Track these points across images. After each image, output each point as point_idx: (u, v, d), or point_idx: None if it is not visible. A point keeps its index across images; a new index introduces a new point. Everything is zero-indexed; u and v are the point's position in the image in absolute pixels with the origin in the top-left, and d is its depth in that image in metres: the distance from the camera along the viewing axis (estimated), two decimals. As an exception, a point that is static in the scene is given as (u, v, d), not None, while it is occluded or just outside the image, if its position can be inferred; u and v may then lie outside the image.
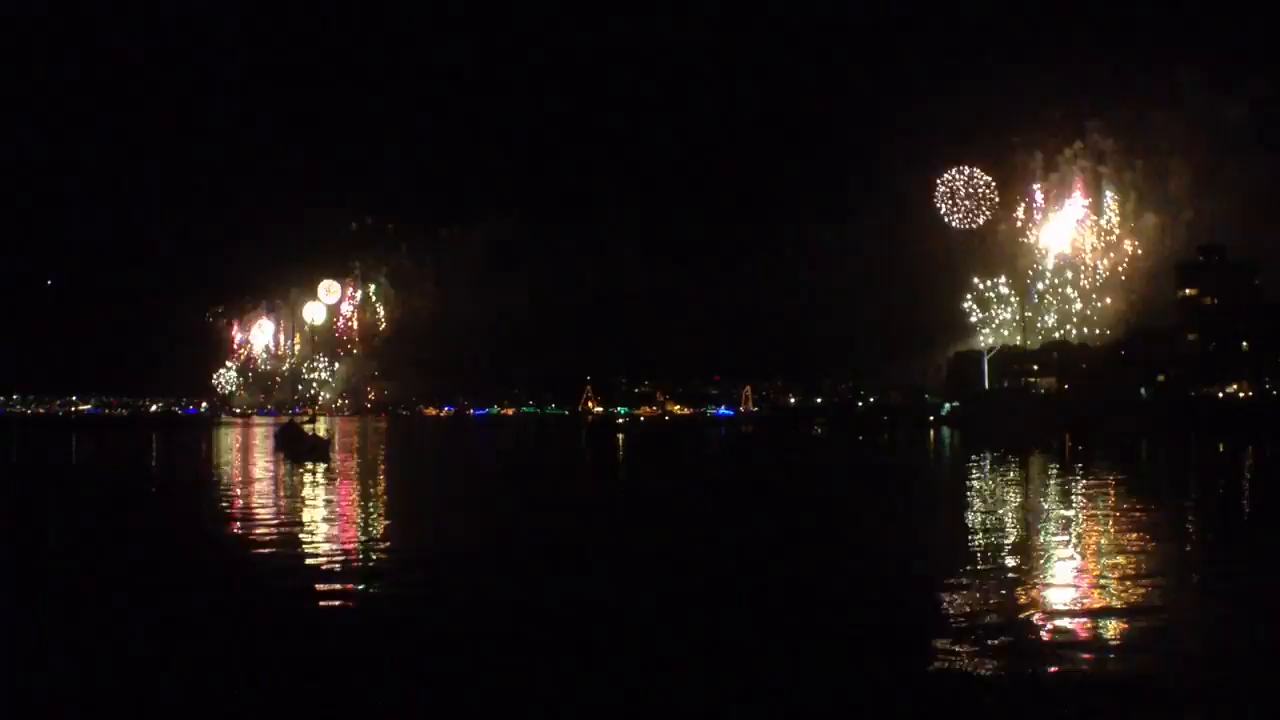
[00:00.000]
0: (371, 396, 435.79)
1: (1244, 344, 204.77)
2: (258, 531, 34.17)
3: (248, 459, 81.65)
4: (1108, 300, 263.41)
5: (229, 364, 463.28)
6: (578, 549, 31.00)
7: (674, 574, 26.39)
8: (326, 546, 31.28)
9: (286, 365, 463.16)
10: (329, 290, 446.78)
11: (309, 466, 66.66)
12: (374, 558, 29.27)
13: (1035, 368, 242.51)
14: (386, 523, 38.15)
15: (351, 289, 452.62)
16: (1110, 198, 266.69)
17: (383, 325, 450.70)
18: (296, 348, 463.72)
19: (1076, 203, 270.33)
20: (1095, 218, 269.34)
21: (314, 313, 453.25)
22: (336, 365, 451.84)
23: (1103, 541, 32.23)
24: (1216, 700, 15.78)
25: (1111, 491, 49.87)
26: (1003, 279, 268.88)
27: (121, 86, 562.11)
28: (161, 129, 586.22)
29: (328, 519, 38.59)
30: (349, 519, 38.48)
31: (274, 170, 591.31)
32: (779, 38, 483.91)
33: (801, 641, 19.15)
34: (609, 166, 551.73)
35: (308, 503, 45.58)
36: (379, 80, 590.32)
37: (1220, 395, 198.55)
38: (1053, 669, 17.09)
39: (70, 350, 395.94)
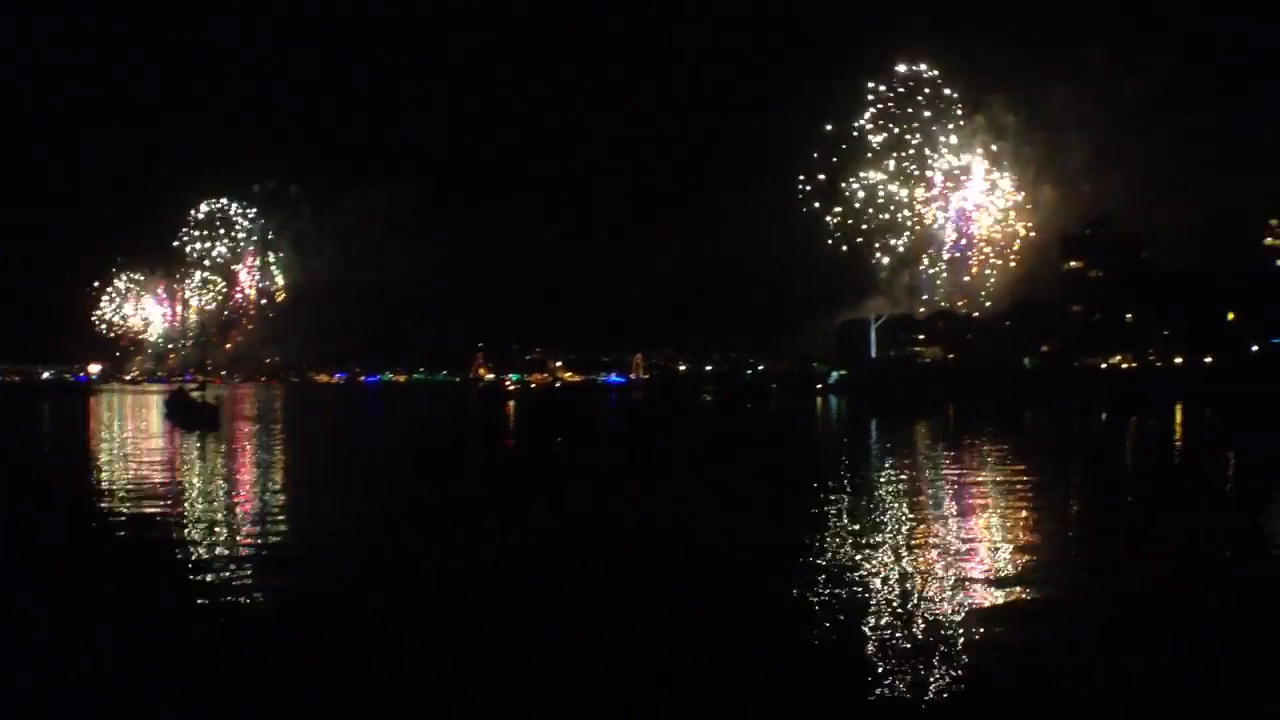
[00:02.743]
0: (266, 364, 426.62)
1: (1128, 316, 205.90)
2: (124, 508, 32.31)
3: (132, 427, 79.28)
4: (999, 272, 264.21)
5: (121, 329, 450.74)
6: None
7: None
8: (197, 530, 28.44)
9: (180, 331, 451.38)
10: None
11: (196, 435, 65.28)
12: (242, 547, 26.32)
13: (921, 337, 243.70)
14: (264, 501, 35.40)
15: (251, 253, 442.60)
16: (1007, 172, 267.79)
17: (280, 292, 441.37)
18: (192, 314, 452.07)
19: (975, 175, 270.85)
20: (992, 191, 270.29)
21: (209, 278, 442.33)
22: (230, 331, 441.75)
23: (954, 509, 32.26)
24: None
25: (982, 459, 50.41)
26: (894, 243, 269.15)
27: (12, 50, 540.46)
28: (57, 88, 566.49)
29: (203, 494, 36.37)
30: (233, 495, 36.68)
31: (173, 128, 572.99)
32: (683, 14, 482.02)
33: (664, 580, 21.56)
34: (509, 135, 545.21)
35: (185, 474, 43.82)
36: (281, 40, 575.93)
37: (1104, 366, 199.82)
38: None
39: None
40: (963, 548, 25.14)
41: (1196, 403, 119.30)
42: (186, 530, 27.83)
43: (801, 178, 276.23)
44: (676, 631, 17.67)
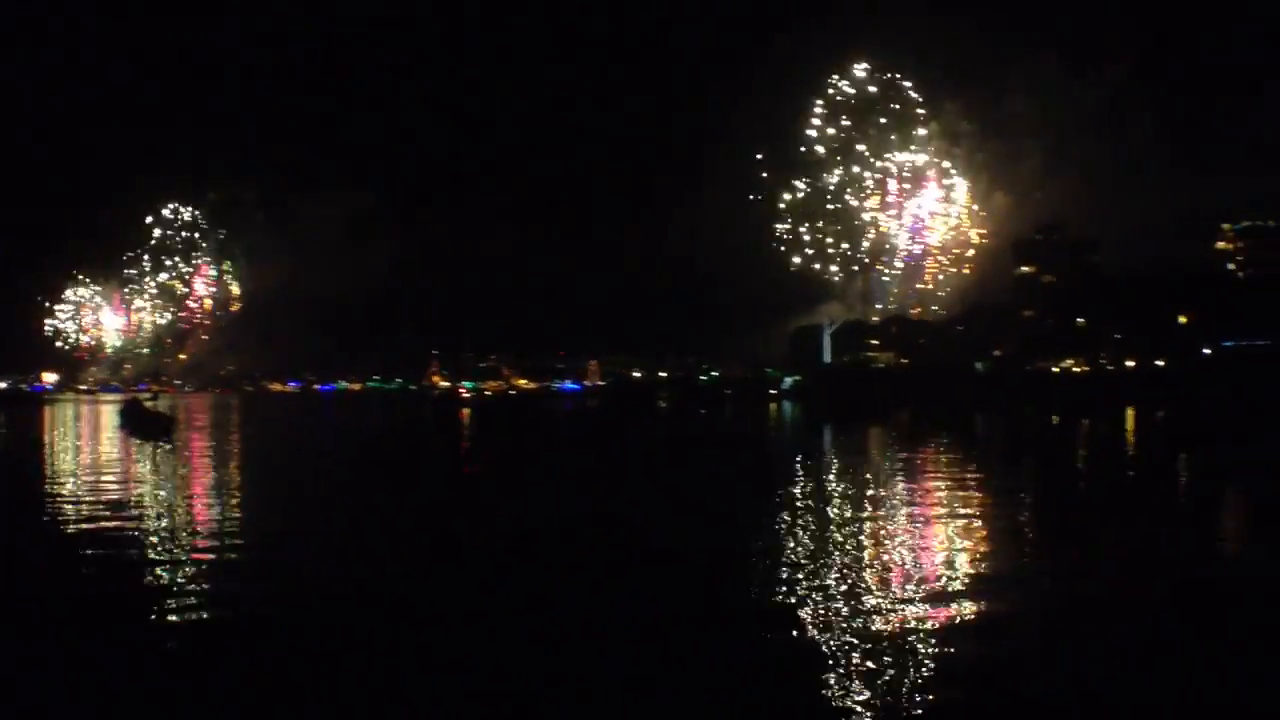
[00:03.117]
0: (220, 373, 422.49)
1: (1080, 320, 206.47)
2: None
3: (86, 436, 78.02)
4: (952, 278, 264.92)
5: (78, 340, 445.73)
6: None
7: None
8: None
9: (136, 341, 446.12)
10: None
11: (150, 444, 64.38)
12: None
13: (875, 342, 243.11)
14: (218, 509, 34.43)
15: (206, 262, 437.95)
16: (961, 178, 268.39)
17: (235, 301, 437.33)
18: (149, 323, 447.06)
19: (929, 181, 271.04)
20: (946, 197, 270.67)
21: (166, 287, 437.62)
22: (185, 340, 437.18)
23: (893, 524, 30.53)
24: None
25: (934, 463, 50.35)
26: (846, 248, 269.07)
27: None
28: (5, 96, 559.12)
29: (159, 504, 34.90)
30: (186, 502, 35.74)
31: (127, 135, 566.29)
32: (632, 18, 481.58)
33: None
34: (463, 141, 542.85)
35: (137, 482, 42.43)
36: (240, 46, 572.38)
37: (1056, 370, 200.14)
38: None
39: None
40: (914, 555, 24.67)
41: (1148, 406, 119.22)
42: (138, 538, 26.96)
43: (754, 184, 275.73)
44: (637, 632, 17.42)
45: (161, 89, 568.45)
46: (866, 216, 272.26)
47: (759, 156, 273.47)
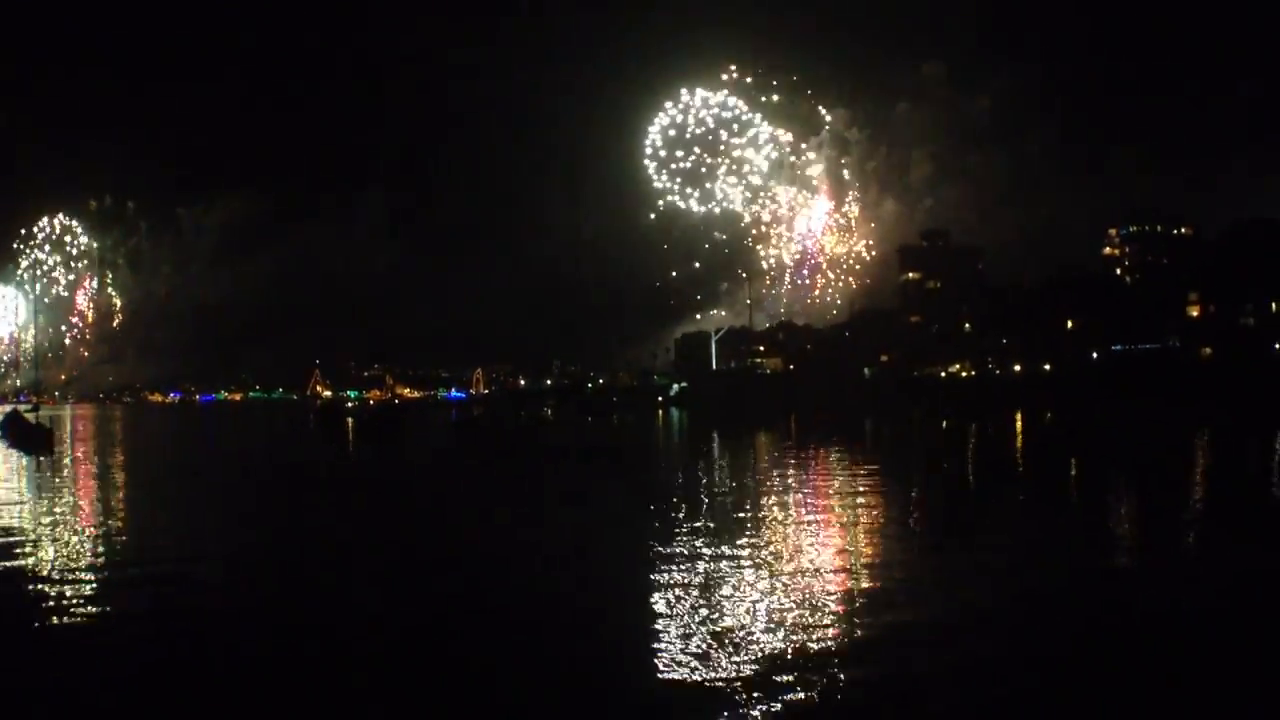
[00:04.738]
0: (102, 385, 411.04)
1: (967, 326, 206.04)
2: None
3: None
4: (840, 285, 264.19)
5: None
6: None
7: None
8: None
9: (15, 352, 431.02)
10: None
11: (33, 458, 65.31)
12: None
13: (761, 348, 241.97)
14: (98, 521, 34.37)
15: (86, 273, 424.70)
16: (851, 187, 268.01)
17: (118, 311, 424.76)
18: (29, 333, 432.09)
19: (818, 191, 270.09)
20: (835, 205, 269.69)
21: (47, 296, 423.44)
22: (63, 351, 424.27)
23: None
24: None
25: (822, 468, 50.50)
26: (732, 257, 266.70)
27: None
28: None
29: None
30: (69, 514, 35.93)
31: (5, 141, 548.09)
32: (518, 31, 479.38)
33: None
34: (348, 151, 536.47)
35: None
36: (118, 51, 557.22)
37: (943, 375, 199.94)
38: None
39: None
40: (807, 563, 24.32)
41: (1036, 410, 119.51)
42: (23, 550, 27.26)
43: (638, 198, 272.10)
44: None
45: (39, 96, 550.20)
46: (757, 227, 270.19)
47: (646, 164, 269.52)
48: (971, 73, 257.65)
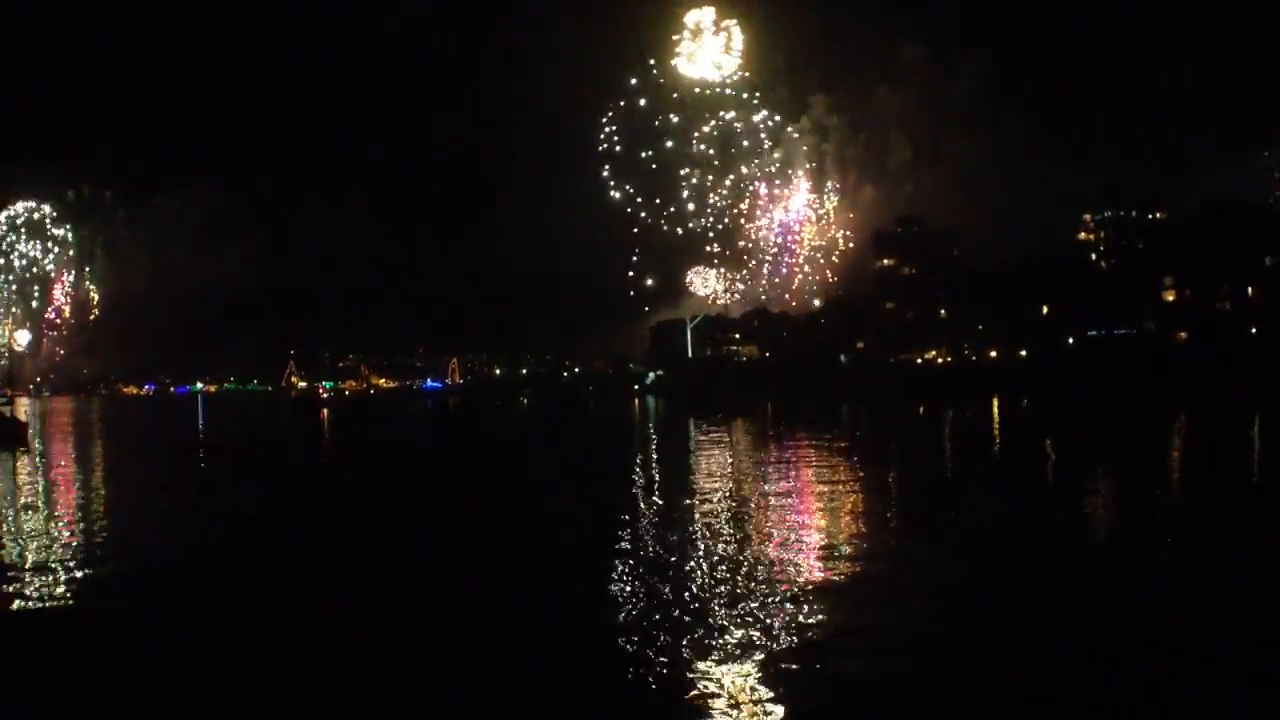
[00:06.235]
0: (76, 377, 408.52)
1: (942, 312, 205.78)
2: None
3: None
4: (817, 272, 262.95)
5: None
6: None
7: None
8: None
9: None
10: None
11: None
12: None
13: (737, 336, 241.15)
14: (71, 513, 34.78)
15: (65, 265, 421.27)
16: (830, 173, 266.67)
17: (94, 308, 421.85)
18: (5, 327, 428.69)
19: (797, 177, 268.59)
20: (814, 191, 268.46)
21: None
22: (41, 343, 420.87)
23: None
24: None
25: (801, 455, 50.22)
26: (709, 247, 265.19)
27: None
28: None
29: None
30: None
31: None
32: (497, 19, 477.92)
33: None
34: (324, 140, 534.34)
35: None
36: (95, 39, 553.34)
37: (919, 361, 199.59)
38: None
39: None
40: (789, 549, 24.61)
41: (1012, 395, 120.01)
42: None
43: (611, 185, 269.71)
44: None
45: (13, 84, 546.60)
46: (731, 212, 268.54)
47: (617, 149, 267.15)
48: (948, 56, 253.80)
